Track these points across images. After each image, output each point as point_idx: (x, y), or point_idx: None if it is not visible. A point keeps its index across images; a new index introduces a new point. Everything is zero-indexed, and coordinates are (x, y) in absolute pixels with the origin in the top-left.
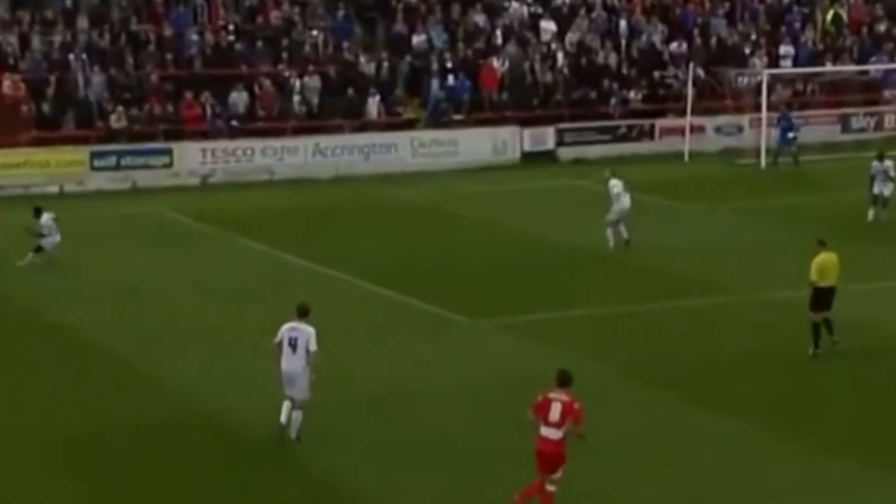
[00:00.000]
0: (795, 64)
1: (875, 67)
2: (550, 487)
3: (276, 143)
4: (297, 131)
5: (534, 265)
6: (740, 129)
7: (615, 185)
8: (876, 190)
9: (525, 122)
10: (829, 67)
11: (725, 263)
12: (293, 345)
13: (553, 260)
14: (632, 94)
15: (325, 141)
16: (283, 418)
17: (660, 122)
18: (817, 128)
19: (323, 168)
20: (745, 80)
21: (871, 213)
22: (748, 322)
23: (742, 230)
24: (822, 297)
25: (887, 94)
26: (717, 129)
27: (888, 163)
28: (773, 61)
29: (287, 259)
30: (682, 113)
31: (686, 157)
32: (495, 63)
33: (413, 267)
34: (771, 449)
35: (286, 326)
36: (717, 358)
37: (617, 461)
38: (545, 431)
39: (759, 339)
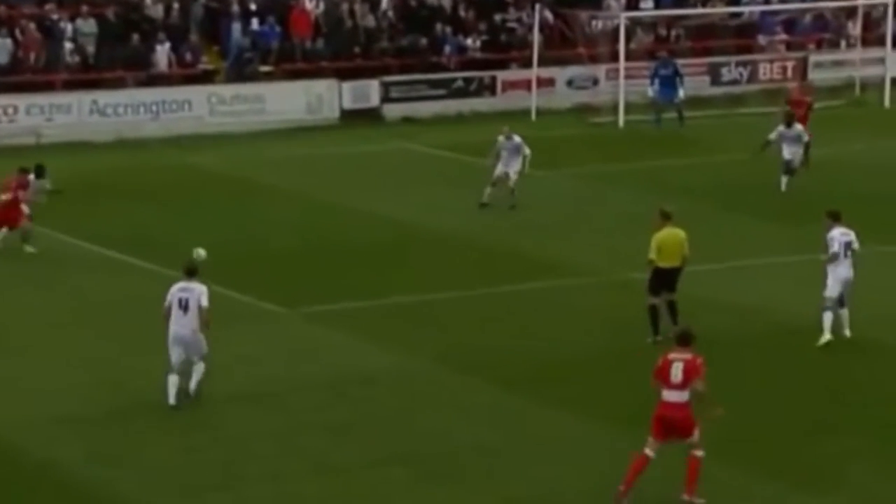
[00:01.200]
0: (657, 5)
1: (748, 9)
2: (697, 452)
3: (43, 99)
4: (70, 85)
5: (358, 247)
6: (595, 81)
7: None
8: (786, 155)
9: (344, 75)
10: (695, 10)
11: (577, 239)
12: (184, 306)
13: (380, 239)
14: (469, 42)
15: (103, 97)
16: (171, 399)
17: (502, 75)
18: (690, 81)
19: (102, 129)
20: (600, 24)
21: (783, 182)
22: (599, 308)
23: (599, 200)
24: (663, 279)
25: (762, 39)
26: (569, 83)
27: (798, 127)
28: (632, 2)
29: (59, 239)
30: (528, 63)
31: (533, 116)
32: (308, 4)
33: (218, 250)
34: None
35: (175, 288)
36: (558, 348)
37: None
38: (668, 395)
39: (608, 328)
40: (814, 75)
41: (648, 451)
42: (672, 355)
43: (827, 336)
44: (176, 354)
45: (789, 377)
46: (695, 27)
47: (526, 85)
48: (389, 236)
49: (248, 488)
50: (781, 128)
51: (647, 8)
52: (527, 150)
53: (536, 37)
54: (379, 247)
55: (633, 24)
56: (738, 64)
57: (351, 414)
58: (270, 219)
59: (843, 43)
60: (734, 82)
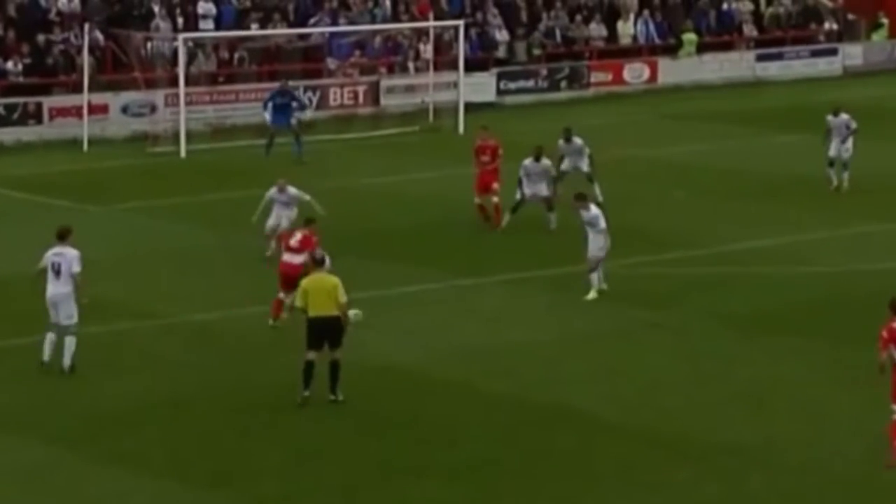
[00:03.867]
0: (219, 26)
1: (314, 31)
2: None
3: None
4: None
5: None
6: (153, 108)
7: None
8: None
9: None
10: (259, 31)
11: (132, 280)
12: (57, 270)
13: None
14: (10, 65)
15: None
16: (45, 356)
17: (48, 101)
18: (250, 106)
19: None
20: (157, 45)
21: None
22: (155, 354)
23: (156, 236)
24: (318, 330)
25: (331, 63)
26: (125, 109)
27: (844, 116)
28: (192, 22)
29: None
30: (78, 89)
31: (85, 146)
32: None
33: None
34: None
35: (49, 252)
36: (104, 405)
37: None
38: None
39: (163, 377)
40: (386, 101)
41: None
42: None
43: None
44: (52, 315)
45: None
46: (260, 50)
47: (76, 112)
48: None
49: None
50: (528, 161)
51: (207, 29)
52: (306, 196)
53: (87, 59)
54: None
55: (195, 47)
56: (306, 89)
57: None
58: None
59: (413, 67)
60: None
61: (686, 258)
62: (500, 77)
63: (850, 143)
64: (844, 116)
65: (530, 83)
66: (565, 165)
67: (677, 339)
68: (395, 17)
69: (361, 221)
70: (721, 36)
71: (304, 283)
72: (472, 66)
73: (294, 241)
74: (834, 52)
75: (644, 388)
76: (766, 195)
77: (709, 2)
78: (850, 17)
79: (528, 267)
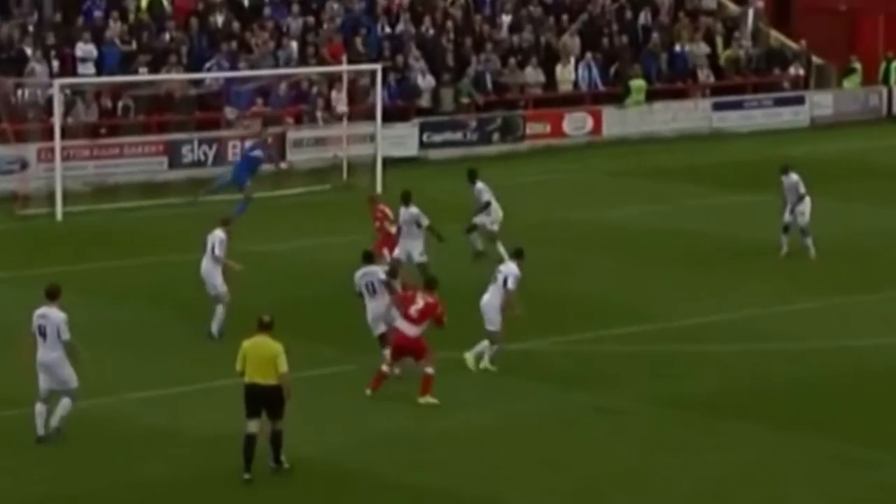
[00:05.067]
0: (100, 70)
1: (209, 76)
2: None
3: None
4: None
5: None
6: (25, 164)
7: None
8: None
9: None
10: (145, 76)
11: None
12: (43, 333)
13: None
14: None
15: None
16: (39, 431)
17: None
18: (137, 161)
19: None
20: (29, 92)
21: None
22: (22, 444)
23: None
24: (255, 398)
25: (230, 113)
26: None
27: (794, 176)
28: (69, 65)
29: None
30: None
31: None
32: None
33: None
34: None
35: (37, 312)
36: None
37: None
38: None
39: (37, 470)
40: (294, 156)
41: None
42: None
43: None
44: (42, 381)
45: None
46: (147, 98)
47: None
48: None
49: None
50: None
51: (87, 74)
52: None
53: None
54: None
55: (73, 94)
56: (201, 142)
57: None
58: None
59: (323, 117)
60: (198, 164)
61: (632, 334)
62: (423, 128)
63: (804, 206)
64: (794, 177)
65: (458, 135)
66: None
67: (623, 426)
68: (303, 61)
69: (267, 293)
70: (673, 82)
71: (245, 345)
72: (391, 116)
73: (414, 309)
74: (800, 100)
75: (586, 481)
76: (722, 263)
77: (659, 44)
78: (819, 61)
79: (457, 343)
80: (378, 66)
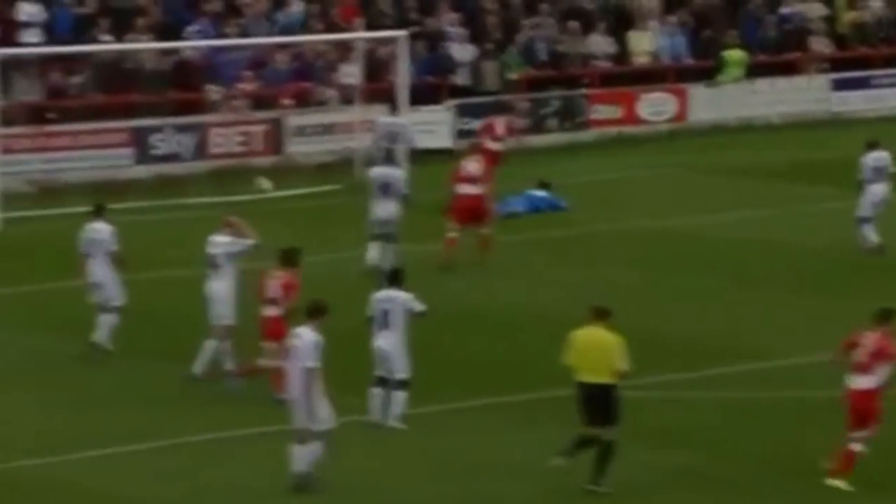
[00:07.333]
0: (51, 37)
1: (188, 45)
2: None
3: None
4: None
5: None
6: None
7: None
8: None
9: None
10: (106, 45)
11: None
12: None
13: None
14: None
15: None
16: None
17: None
18: (94, 155)
19: None
20: None
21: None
22: None
23: None
24: (586, 400)
25: (213, 92)
26: None
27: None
28: (10, 32)
29: None
30: None
31: None
32: None
33: None
34: None
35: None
36: None
37: None
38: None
39: None
40: (293, 147)
41: None
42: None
43: None
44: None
45: None
46: (109, 73)
47: None
48: None
49: None
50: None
51: (31, 42)
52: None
53: None
54: None
55: (13, 68)
56: (177, 129)
57: None
58: None
59: (333, 97)
60: (172, 158)
61: (724, 376)
62: (459, 112)
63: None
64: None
65: None
66: None
67: (714, 495)
68: (307, 27)
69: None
70: (781, 53)
71: (575, 333)
72: (419, 98)
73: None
74: None
75: None
76: (843, 283)
77: (763, 4)
78: None
79: (493, 388)
80: (403, 33)
